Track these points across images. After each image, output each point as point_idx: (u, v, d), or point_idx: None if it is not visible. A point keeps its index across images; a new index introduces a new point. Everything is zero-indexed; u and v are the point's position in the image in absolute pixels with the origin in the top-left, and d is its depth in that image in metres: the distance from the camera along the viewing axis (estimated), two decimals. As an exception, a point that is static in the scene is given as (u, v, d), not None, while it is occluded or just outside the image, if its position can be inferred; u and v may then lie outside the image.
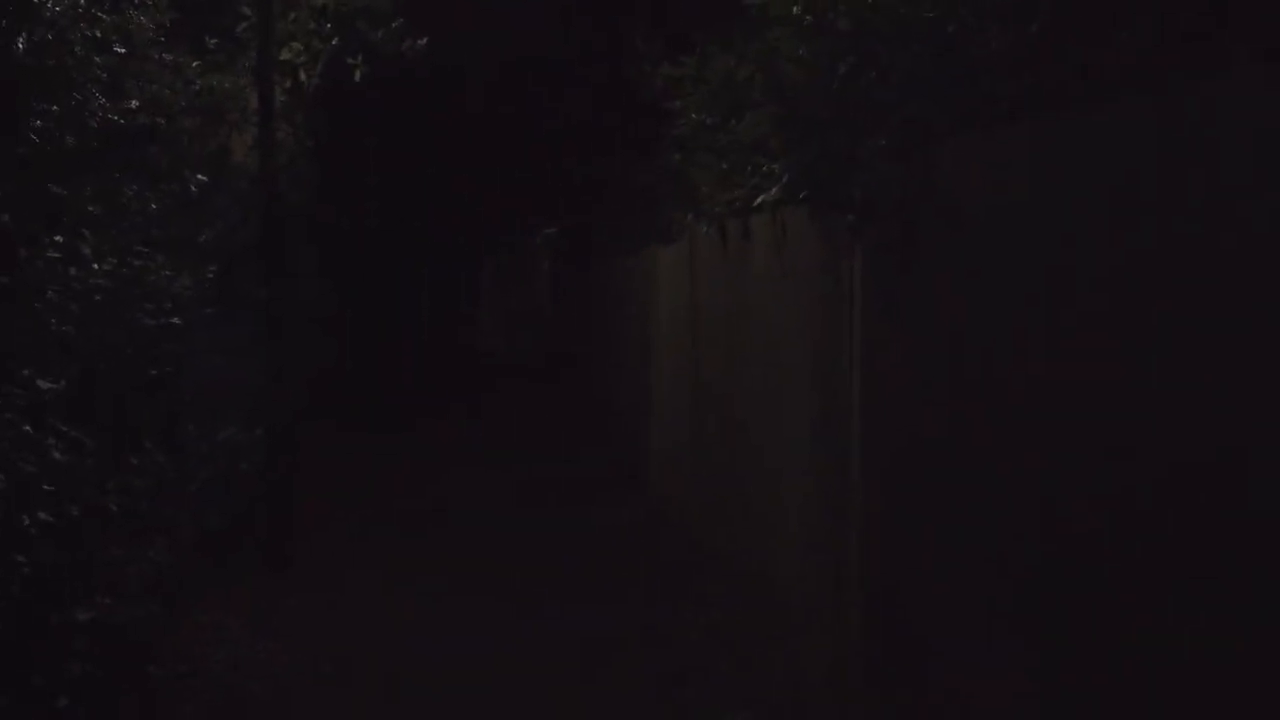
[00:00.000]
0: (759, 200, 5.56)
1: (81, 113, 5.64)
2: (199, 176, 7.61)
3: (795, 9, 5.48)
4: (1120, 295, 3.19)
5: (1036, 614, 3.58)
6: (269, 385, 8.26)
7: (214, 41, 9.30)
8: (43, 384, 4.69)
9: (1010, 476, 3.74)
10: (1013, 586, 3.72)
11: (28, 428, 4.51)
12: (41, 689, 4.63)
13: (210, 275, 7.57)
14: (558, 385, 18.82)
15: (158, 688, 5.86)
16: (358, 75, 10.31)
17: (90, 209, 6.04)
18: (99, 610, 5.16)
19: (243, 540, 8.32)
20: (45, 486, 4.53)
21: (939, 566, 4.27)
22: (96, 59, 5.98)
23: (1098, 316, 3.30)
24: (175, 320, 6.68)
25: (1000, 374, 3.84)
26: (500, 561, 8.62)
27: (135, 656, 5.80)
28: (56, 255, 5.61)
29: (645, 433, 11.26)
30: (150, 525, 6.07)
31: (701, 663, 6.27)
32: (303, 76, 10.55)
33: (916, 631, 4.48)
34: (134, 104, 6.57)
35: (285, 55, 9.93)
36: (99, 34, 5.98)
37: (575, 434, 15.10)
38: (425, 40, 10.25)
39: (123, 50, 6.41)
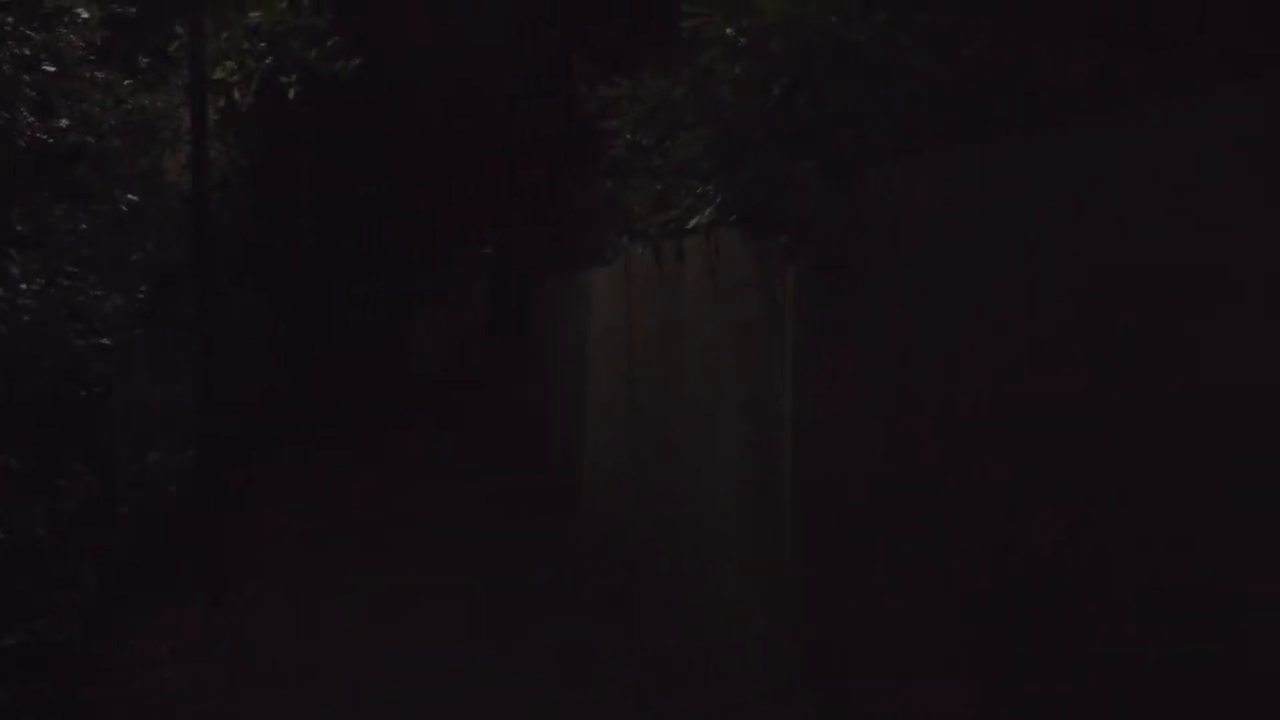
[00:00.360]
0: (693, 222, 5.58)
1: (10, 131, 5.58)
2: (130, 196, 7.54)
3: (729, 30, 5.51)
4: (1052, 310, 3.23)
5: (985, 625, 3.60)
6: (200, 406, 8.18)
7: (146, 60, 9.23)
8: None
9: (957, 489, 3.77)
10: (961, 599, 3.74)
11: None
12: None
13: (141, 296, 7.50)
14: (493, 406, 18.79)
15: (90, 712, 5.79)
16: (291, 94, 10.26)
17: (19, 229, 5.97)
18: (25, 635, 5.09)
19: (175, 563, 8.23)
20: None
21: (887, 579, 4.28)
22: (25, 77, 5.92)
23: (1033, 331, 3.33)
24: (105, 341, 6.61)
25: (936, 388, 3.87)
26: (430, 580, 8.57)
27: (66, 680, 5.73)
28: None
29: (582, 452, 11.26)
30: (80, 548, 6.00)
31: (638, 680, 6.26)
32: (236, 95, 10.51)
33: (857, 644, 4.49)
34: (64, 123, 6.51)
35: (218, 74, 9.88)
36: (28, 52, 5.93)
37: (511, 453, 15.05)
38: (359, 60, 10.22)
39: (52, 68, 6.34)
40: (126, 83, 8.43)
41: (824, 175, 4.65)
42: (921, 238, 3.99)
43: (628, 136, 7.23)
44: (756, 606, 5.57)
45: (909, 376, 4.06)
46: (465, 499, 12.08)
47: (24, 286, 5.85)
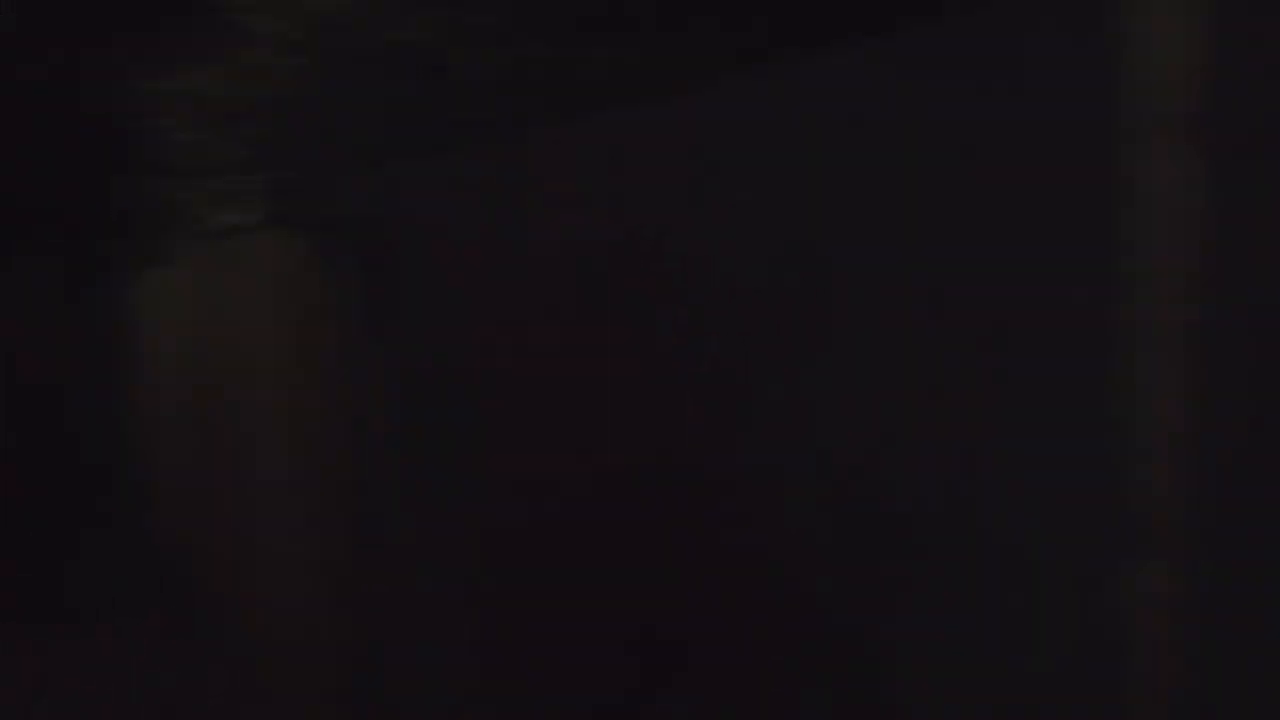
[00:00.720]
0: (238, 221, 5.49)
1: None
2: None
3: (281, 26, 5.46)
4: (534, 278, 3.33)
5: (482, 609, 3.66)
6: None
7: None
8: None
9: (464, 470, 3.82)
10: (463, 583, 3.79)
11: None
12: None
13: None
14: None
15: None
16: None
17: None
18: None
19: None
20: None
21: (404, 568, 4.31)
22: None
23: (516, 298, 3.42)
24: None
25: (460, 369, 3.92)
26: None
27: None
28: None
29: (155, 468, 10.90)
30: None
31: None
32: None
33: (381, 639, 4.50)
34: None
35: None
36: None
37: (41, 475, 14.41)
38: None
39: None
40: None
41: (355, 176, 4.65)
42: (434, 229, 4.05)
43: (179, 134, 7.04)
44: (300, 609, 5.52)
45: (430, 353, 4.11)
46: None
47: None
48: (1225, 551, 1.91)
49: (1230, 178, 1.86)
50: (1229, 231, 1.87)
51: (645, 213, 2.93)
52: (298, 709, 5.46)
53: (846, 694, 2.56)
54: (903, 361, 2.39)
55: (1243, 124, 1.85)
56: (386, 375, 4.61)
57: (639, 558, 3.06)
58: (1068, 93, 2.08)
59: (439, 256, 4.15)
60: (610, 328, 3.09)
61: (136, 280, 11.18)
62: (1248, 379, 1.86)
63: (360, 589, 4.83)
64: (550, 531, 3.43)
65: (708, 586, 2.81)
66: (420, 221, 4.31)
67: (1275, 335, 1.83)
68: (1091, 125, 2.04)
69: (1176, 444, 1.98)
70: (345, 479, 4.98)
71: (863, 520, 2.49)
